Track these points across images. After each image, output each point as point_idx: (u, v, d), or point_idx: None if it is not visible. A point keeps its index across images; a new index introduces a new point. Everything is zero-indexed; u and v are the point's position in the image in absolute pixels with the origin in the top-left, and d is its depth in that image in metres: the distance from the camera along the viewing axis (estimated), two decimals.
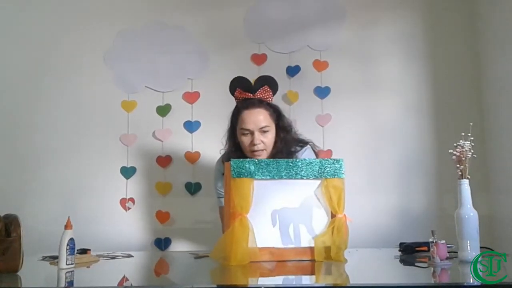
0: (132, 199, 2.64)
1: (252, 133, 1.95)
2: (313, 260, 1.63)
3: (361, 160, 2.60)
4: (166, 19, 2.77)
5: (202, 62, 2.74)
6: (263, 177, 1.65)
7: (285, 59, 2.72)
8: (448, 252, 1.58)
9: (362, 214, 2.45)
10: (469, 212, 1.58)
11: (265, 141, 1.96)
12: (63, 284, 1.41)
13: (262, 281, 1.47)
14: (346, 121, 2.66)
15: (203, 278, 1.60)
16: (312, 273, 1.56)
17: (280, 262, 1.62)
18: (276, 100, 2.09)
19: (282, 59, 2.72)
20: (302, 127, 2.30)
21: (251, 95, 1.99)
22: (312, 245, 1.65)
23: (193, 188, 2.64)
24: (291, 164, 1.68)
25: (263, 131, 1.95)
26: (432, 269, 1.50)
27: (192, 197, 2.64)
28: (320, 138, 2.61)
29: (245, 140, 1.97)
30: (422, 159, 2.62)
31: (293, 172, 1.68)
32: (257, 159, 1.92)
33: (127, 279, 1.57)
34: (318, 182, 1.69)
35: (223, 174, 1.88)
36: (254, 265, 1.58)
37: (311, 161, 1.70)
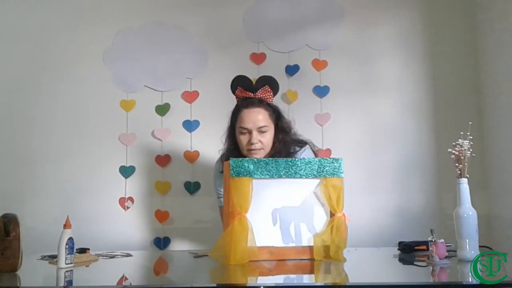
0: (131, 199, 2.64)
1: (250, 132, 1.95)
2: (312, 259, 1.64)
3: (360, 159, 2.60)
4: (165, 18, 2.77)
5: (201, 62, 2.74)
6: (262, 176, 1.65)
7: (284, 58, 2.72)
8: (447, 251, 1.58)
9: (361, 213, 2.45)
10: (468, 211, 1.59)
11: (263, 141, 1.96)
12: (62, 283, 1.41)
13: (261, 280, 1.47)
14: (345, 120, 2.66)
15: (203, 277, 1.60)
16: (311, 272, 1.56)
17: (279, 261, 1.63)
18: (275, 99, 2.09)
19: (281, 58, 2.72)
20: (301, 126, 2.30)
21: (252, 94, 1.99)
22: (311, 244, 1.65)
23: (192, 188, 2.64)
24: (290, 163, 1.68)
25: (261, 130, 1.96)
26: (431, 268, 1.51)
27: (191, 196, 2.64)
28: (319, 137, 2.62)
29: (243, 138, 1.98)
30: (421, 158, 2.62)
31: (292, 171, 1.68)
32: (254, 158, 1.93)
33: (126, 279, 1.57)
34: (317, 181, 1.70)
35: (221, 172, 1.89)
36: (253, 264, 1.58)
37: (310, 160, 1.70)
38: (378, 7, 2.75)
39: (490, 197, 2.49)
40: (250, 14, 2.77)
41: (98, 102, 2.71)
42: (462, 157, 1.62)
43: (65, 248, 1.54)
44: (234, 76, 2.05)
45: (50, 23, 2.77)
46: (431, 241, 1.54)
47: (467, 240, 1.57)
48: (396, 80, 2.69)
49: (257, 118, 1.95)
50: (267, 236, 1.64)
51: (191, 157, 2.66)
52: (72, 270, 1.54)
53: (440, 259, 1.51)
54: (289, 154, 1.99)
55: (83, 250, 1.92)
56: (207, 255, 1.80)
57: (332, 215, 1.68)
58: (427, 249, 1.58)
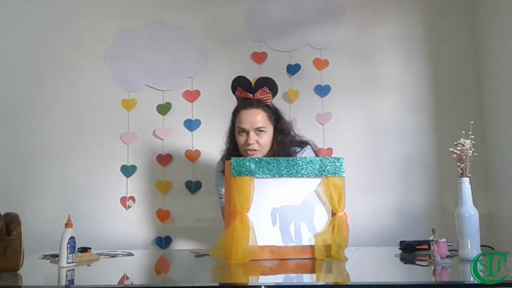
0: (132, 198, 2.64)
1: (247, 132, 1.96)
2: (313, 259, 1.64)
3: (362, 158, 2.60)
4: (166, 17, 2.77)
5: (202, 61, 2.74)
6: (263, 176, 1.65)
7: (285, 58, 2.72)
8: (449, 251, 1.58)
9: (363, 212, 2.45)
10: (469, 210, 1.59)
11: (261, 141, 1.97)
12: (63, 282, 1.41)
13: (263, 279, 1.48)
14: (346, 119, 2.66)
15: (204, 276, 1.60)
16: (312, 271, 1.56)
17: (280, 260, 1.63)
18: (277, 98, 2.09)
19: (282, 57, 2.71)
20: (303, 126, 2.30)
21: (251, 95, 2.00)
22: (313, 243, 1.65)
23: (193, 187, 2.64)
24: (291, 162, 1.68)
25: (259, 131, 1.96)
26: (432, 267, 1.50)
27: (192, 195, 2.64)
28: (321, 136, 2.61)
29: (241, 139, 1.99)
30: (423, 157, 2.61)
31: (294, 171, 1.68)
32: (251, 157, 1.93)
33: (127, 278, 1.57)
34: (318, 180, 1.70)
35: (222, 171, 1.89)
36: (254, 263, 1.58)
37: (312, 159, 1.70)
38: (379, 6, 2.75)
39: (492, 197, 2.48)
40: (251, 13, 2.77)
41: (99, 102, 2.71)
42: (464, 157, 1.62)
43: (67, 247, 1.54)
44: (235, 75, 2.06)
45: (50, 22, 2.77)
46: (433, 240, 1.53)
47: (469, 240, 1.57)
48: (397, 79, 2.69)
49: (255, 118, 1.96)
50: (268, 235, 1.64)
51: (192, 156, 2.66)
52: (73, 269, 1.54)
53: (441, 258, 1.51)
54: (288, 155, 2.00)
55: (84, 249, 1.92)
56: (208, 254, 1.80)
57: (333, 214, 1.68)
58: (429, 249, 1.58)
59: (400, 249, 1.91)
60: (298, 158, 1.71)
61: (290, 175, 1.68)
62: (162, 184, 2.65)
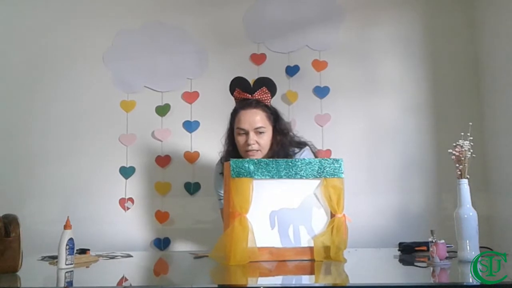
0: (131, 199, 2.64)
1: (247, 133, 1.96)
2: (312, 260, 1.64)
3: (361, 160, 2.60)
4: (166, 19, 2.77)
5: (201, 62, 2.74)
6: (262, 177, 1.65)
7: (284, 59, 2.72)
8: (448, 252, 1.58)
9: (362, 214, 2.45)
10: (468, 211, 1.59)
11: (260, 142, 1.97)
12: (62, 284, 1.41)
13: (262, 281, 1.47)
14: (345, 121, 2.66)
15: (203, 278, 1.60)
16: (311, 273, 1.56)
17: (279, 262, 1.63)
18: (276, 100, 2.09)
19: (281, 59, 2.72)
20: (301, 127, 2.30)
21: (249, 96, 2.00)
22: (312, 245, 1.65)
23: (192, 188, 2.64)
24: (290, 164, 1.68)
25: (258, 131, 1.96)
26: (431, 268, 1.50)
27: (191, 197, 2.64)
28: (319, 138, 2.62)
29: (241, 139, 1.99)
30: (422, 158, 2.62)
31: (293, 172, 1.68)
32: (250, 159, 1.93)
33: (126, 279, 1.57)
34: (317, 182, 1.70)
35: (221, 173, 1.89)
36: (253, 265, 1.58)
37: (311, 160, 1.70)
38: (378, 7, 2.75)
39: (491, 198, 2.48)
40: (250, 15, 2.77)
41: (98, 103, 2.71)
42: (463, 158, 1.62)
43: (66, 249, 1.54)
44: (235, 76, 2.06)
45: (49, 23, 2.77)
46: (432, 242, 1.53)
47: (468, 241, 1.56)
48: (396, 81, 2.69)
49: (254, 119, 1.96)
50: (267, 236, 1.64)
51: (191, 157, 2.66)
52: (72, 271, 1.53)
53: (440, 260, 1.51)
54: (288, 156, 2.00)
55: (83, 251, 1.92)
56: (207, 256, 1.80)
57: (332, 215, 1.68)
58: (428, 250, 1.57)
59: (399, 250, 1.91)
60: (297, 160, 1.71)
61: (289, 176, 1.68)
62: (161, 185, 2.65)
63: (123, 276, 1.65)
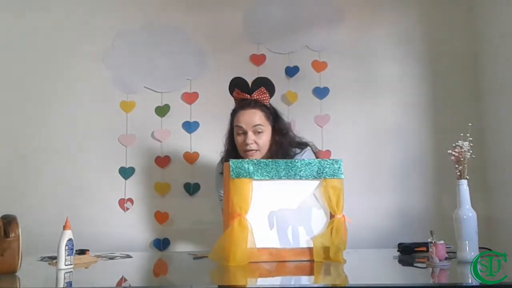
0: (130, 200, 2.64)
1: (245, 132, 1.97)
2: (312, 261, 1.64)
3: (360, 160, 2.60)
4: (165, 20, 2.77)
5: (200, 63, 2.74)
6: (262, 178, 1.65)
7: (284, 60, 2.72)
8: (447, 253, 1.58)
9: (361, 214, 2.44)
10: (467, 212, 1.59)
11: (259, 142, 1.97)
12: (61, 284, 1.41)
13: (261, 281, 1.47)
14: (345, 121, 2.66)
15: (202, 278, 1.60)
16: (311, 273, 1.56)
17: (279, 262, 1.63)
18: (275, 100, 2.09)
19: (281, 59, 2.72)
20: (301, 128, 2.31)
21: (248, 96, 2.00)
22: (311, 245, 1.65)
23: (191, 189, 2.64)
24: (290, 164, 1.69)
25: (257, 131, 1.97)
26: (430, 269, 1.50)
27: (190, 197, 2.64)
28: (319, 138, 2.61)
29: (239, 139, 1.99)
30: (421, 159, 2.62)
31: (292, 173, 1.68)
32: (249, 159, 1.93)
33: (125, 280, 1.57)
34: (317, 182, 1.70)
35: (221, 173, 1.89)
36: (253, 265, 1.58)
37: (310, 161, 1.71)
38: (377, 8, 2.75)
39: (490, 199, 2.48)
40: (249, 15, 2.77)
41: (98, 103, 2.71)
42: (462, 159, 1.62)
43: (65, 249, 1.54)
44: (234, 77, 2.06)
45: (49, 24, 2.77)
46: (431, 242, 1.53)
47: (467, 242, 1.57)
48: (396, 81, 2.69)
49: (252, 119, 1.96)
50: (267, 237, 1.64)
51: (191, 158, 2.66)
52: (71, 272, 1.53)
53: (440, 260, 1.51)
54: (288, 156, 2.00)
55: (82, 251, 1.92)
56: (206, 257, 1.80)
57: (331, 216, 1.68)
58: (427, 251, 1.57)
59: (398, 251, 1.91)
60: (296, 160, 1.71)
61: (288, 177, 1.68)
62: (161, 186, 2.65)
63: (122, 277, 1.65)
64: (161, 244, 2.60)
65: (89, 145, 2.67)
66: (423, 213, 2.55)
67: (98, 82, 2.72)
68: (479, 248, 1.59)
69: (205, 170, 2.57)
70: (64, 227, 1.57)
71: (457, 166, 1.63)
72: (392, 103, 2.67)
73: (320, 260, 1.62)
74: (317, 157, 2.07)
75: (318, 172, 1.69)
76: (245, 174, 1.63)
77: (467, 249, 1.56)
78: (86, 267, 1.71)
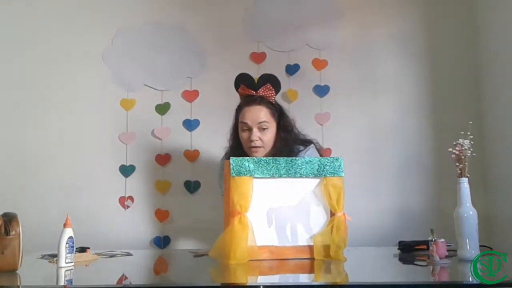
0: (131, 198, 2.64)
1: (250, 129, 1.97)
2: (312, 259, 1.64)
3: (361, 158, 2.59)
4: (165, 18, 2.77)
5: (201, 61, 2.73)
6: (262, 176, 1.65)
7: (284, 58, 2.71)
8: (447, 251, 1.58)
9: (361, 212, 2.44)
10: (468, 210, 1.59)
11: (264, 138, 1.97)
12: (62, 282, 1.41)
13: (262, 279, 1.48)
14: (345, 119, 2.66)
15: (203, 276, 1.60)
16: (311, 271, 1.56)
17: (279, 260, 1.63)
18: (276, 98, 2.09)
19: (281, 57, 2.71)
20: (301, 126, 2.29)
21: (254, 92, 2.00)
22: (312, 243, 1.65)
23: (192, 187, 2.64)
24: (290, 162, 1.69)
25: (262, 128, 1.97)
26: (431, 267, 1.51)
27: (191, 195, 2.64)
28: (319, 136, 2.61)
29: (244, 136, 2.00)
30: (422, 157, 2.61)
31: (293, 171, 1.68)
32: (255, 155, 1.93)
33: (126, 278, 1.57)
34: (317, 180, 1.70)
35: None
36: (253, 263, 1.58)
37: (311, 159, 1.70)
38: (378, 6, 2.75)
39: (490, 197, 2.48)
40: (250, 13, 2.76)
41: (98, 101, 2.70)
42: (463, 157, 1.62)
43: (65, 247, 1.54)
44: (235, 75, 2.07)
45: (49, 22, 2.76)
46: (431, 240, 1.54)
47: (467, 240, 1.57)
48: (396, 80, 2.69)
49: (258, 115, 1.96)
50: (267, 235, 1.64)
51: (191, 156, 2.66)
52: (72, 269, 1.53)
53: (440, 258, 1.51)
54: (292, 153, 2.00)
55: (83, 249, 1.92)
56: (207, 254, 1.80)
57: (332, 214, 1.68)
58: (427, 249, 1.58)
59: (398, 249, 1.91)
60: (297, 158, 1.71)
61: (289, 175, 1.68)
62: (161, 184, 2.65)
63: (123, 275, 1.65)
64: (162, 242, 2.60)
65: (89, 143, 2.67)
66: (423, 211, 2.55)
67: (98, 80, 2.71)
68: (480, 246, 1.59)
69: (205, 168, 2.57)
70: (65, 225, 1.57)
71: (457, 164, 1.63)
72: (392, 101, 2.67)
73: (321, 258, 1.63)
74: (321, 155, 2.08)
75: (319, 170, 1.69)
76: (245, 172, 1.63)
77: (468, 247, 1.56)
78: (86, 265, 1.71)
